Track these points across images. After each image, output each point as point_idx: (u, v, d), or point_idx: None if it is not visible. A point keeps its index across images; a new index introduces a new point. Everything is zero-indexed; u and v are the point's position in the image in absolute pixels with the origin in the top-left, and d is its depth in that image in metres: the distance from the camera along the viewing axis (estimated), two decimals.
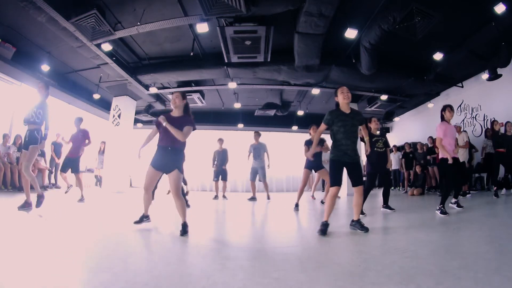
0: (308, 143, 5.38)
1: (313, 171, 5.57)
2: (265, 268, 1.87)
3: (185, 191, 7.75)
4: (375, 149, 4.59)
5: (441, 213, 3.94)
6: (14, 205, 4.04)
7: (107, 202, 5.97)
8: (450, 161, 4.04)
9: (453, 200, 4.51)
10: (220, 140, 7.63)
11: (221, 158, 7.46)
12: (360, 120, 3.16)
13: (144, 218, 3.23)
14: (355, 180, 3.04)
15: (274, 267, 1.88)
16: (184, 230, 2.82)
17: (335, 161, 3.03)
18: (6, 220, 3.37)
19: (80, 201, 5.46)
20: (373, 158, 4.62)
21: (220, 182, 7.49)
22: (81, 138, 5.89)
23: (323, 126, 3.10)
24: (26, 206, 3.90)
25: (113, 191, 8.07)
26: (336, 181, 2.98)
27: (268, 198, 7.18)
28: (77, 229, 3.12)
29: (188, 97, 9.62)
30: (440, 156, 4.30)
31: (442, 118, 4.29)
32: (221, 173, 7.41)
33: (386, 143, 4.75)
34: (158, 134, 3.07)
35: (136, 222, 3.15)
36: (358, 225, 3.01)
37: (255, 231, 3.50)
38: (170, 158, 2.92)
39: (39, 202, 3.90)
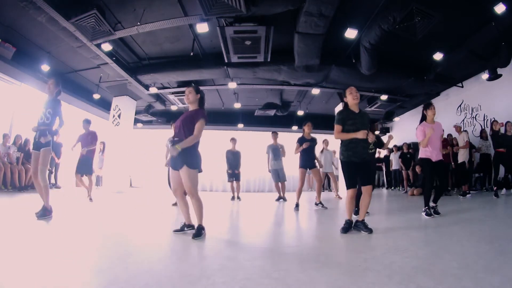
0: (301, 141, 5.41)
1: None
2: (265, 268, 1.86)
3: None
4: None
5: (426, 215, 3.83)
6: (14, 205, 4.04)
7: (107, 202, 5.97)
8: (423, 146, 3.94)
9: (432, 204, 4.09)
10: (233, 140, 7.24)
11: (235, 160, 7.14)
12: (369, 120, 3.14)
13: (186, 227, 2.95)
14: (364, 179, 3.03)
15: (274, 267, 1.88)
16: (198, 233, 2.67)
17: (347, 162, 3.01)
18: (6, 220, 3.37)
19: (90, 200, 5.64)
20: None
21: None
22: (90, 140, 5.93)
23: (338, 127, 3.01)
24: (47, 214, 3.53)
25: (113, 191, 8.06)
26: (351, 184, 2.99)
27: (284, 199, 6.81)
28: (77, 229, 3.11)
29: None
30: (419, 156, 4.11)
31: (424, 118, 4.08)
32: (234, 175, 7.15)
33: (376, 145, 4.51)
34: None
35: (176, 231, 2.93)
36: (362, 225, 2.98)
37: (255, 231, 3.49)
38: (179, 154, 2.72)
39: (42, 214, 3.42)
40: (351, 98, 3.06)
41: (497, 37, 5.93)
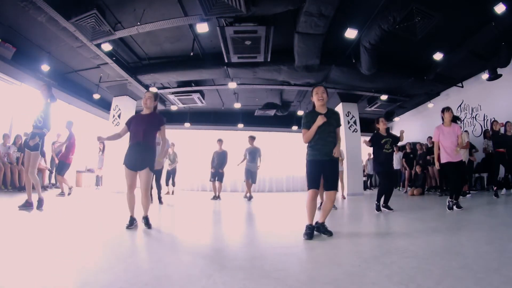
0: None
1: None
2: (265, 268, 1.86)
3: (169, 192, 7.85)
4: (383, 150, 4.59)
5: (448, 208, 4.25)
6: (14, 205, 4.05)
7: (107, 202, 5.97)
8: (437, 167, 4.48)
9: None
10: (220, 141, 7.52)
11: (220, 160, 7.37)
12: (337, 119, 2.94)
13: (134, 220, 3.15)
14: (329, 184, 2.85)
15: (274, 267, 1.88)
16: (147, 222, 3.10)
17: (311, 161, 2.85)
18: (6, 220, 3.37)
19: (61, 195, 6.06)
20: (381, 159, 4.63)
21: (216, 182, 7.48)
22: (68, 142, 6.31)
23: (305, 131, 2.86)
24: (27, 205, 3.96)
25: (113, 191, 8.07)
26: (313, 184, 2.80)
27: (250, 197, 7.28)
28: (77, 229, 3.12)
29: (188, 97, 9.61)
30: (441, 161, 4.45)
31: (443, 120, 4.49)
32: (217, 174, 7.33)
33: (392, 144, 4.68)
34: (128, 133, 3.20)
35: (128, 227, 3.05)
36: (322, 228, 2.87)
37: (255, 231, 3.50)
38: (141, 155, 3.03)
39: (39, 205, 4.05)
40: (316, 98, 2.90)
41: (497, 37, 5.93)
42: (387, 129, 4.90)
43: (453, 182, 4.47)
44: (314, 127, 2.80)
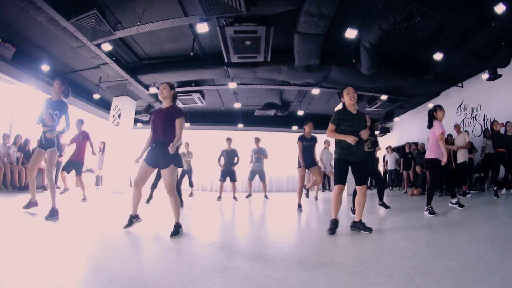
0: (302, 139, 5.36)
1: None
2: (265, 268, 1.86)
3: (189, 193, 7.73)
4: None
5: (429, 213, 3.94)
6: (14, 205, 4.04)
7: (107, 202, 5.97)
8: (445, 160, 4.03)
9: (454, 200, 4.47)
10: (229, 140, 7.52)
11: (230, 158, 7.34)
12: (365, 121, 3.13)
13: (134, 219, 3.01)
14: (358, 179, 3.02)
15: (274, 267, 1.88)
16: (176, 231, 2.73)
17: (339, 160, 3.02)
18: (6, 220, 3.36)
19: (83, 200, 5.64)
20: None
21: (228, 183, 7.42)
22: (82, 140, 5.99)
23: (332, 126, 3.06)
24: (30, 205, 3.77)
25: (113, 191, 8.07)
26: (339, 179, 2.97)
27: (266, 197, 7.60)
28: (77, 229, 3.11)
29: (188, 97, 9.58)
30: (427, 157, 4.24)
31: (434, 118, 4.19)
32: (229, 173, 7.29)
33: (374, 144, 4.73)
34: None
35: (126, 226, 2.95)
36: (361, 226, 2.96)
37: (255, 231, 3.50)
38: (163, 152, 2.81)
39: (50, 215, 3.40)
40: (348, 98, 3.07)
41: (497, 37, 5.93)
42: (372, 128, 4.90)
43: (436, 182, 4.37)
44: (342, 138, 2.97)
